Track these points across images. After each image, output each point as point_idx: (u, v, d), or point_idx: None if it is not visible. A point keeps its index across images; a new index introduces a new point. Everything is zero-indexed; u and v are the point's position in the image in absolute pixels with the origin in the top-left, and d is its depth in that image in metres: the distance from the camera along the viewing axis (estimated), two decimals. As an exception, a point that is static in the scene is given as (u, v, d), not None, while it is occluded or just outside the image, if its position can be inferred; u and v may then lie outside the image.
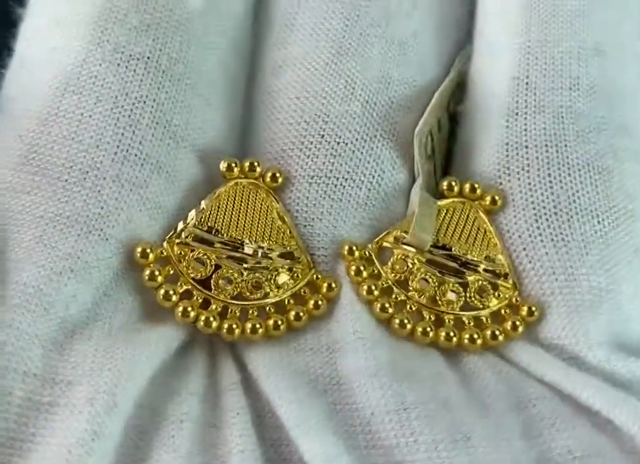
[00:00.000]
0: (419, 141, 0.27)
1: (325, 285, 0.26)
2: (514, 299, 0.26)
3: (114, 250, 0.25)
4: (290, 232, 0.26)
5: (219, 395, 0.24)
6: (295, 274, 0.26)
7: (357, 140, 0.27)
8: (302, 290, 0.26)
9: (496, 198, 0.27)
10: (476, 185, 0.27)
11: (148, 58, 0.26)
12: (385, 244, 0.26)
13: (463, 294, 0.26)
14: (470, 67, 0.29)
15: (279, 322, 0.25)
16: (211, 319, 0.25)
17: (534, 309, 0.26)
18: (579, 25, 0.28)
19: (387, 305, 0.25)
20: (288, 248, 0.26)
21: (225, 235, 0.26)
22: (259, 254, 0.26)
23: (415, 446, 0.23)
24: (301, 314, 0.25)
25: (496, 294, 0.26)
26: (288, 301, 0.26)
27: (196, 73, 0.27)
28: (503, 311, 0.26)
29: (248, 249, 0.26)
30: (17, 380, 0.22)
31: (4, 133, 0.26)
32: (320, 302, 0.26)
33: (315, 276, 0.26)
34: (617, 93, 0.28)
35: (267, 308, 0.25)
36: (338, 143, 0.27)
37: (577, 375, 0.25)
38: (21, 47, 0.27)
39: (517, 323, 0.26)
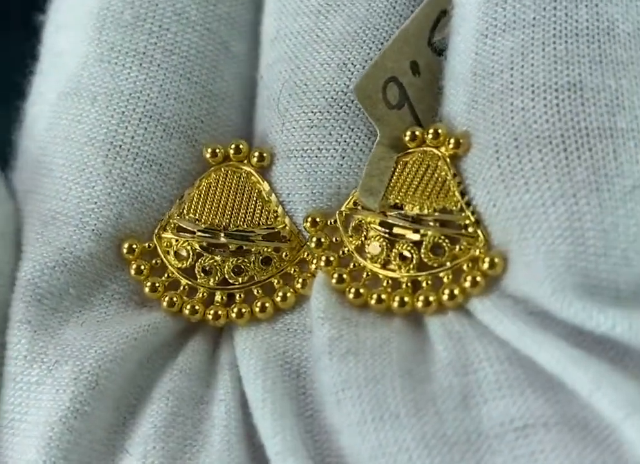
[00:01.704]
0: (368, 94, 0.25)
1: (314, 262, 0.26)
2: (477, 251, 0.24)
3: (107, 244, 0.27)
4: (276, 211, 0.26)
5: (215, 373, 0.26)
6: (283, 254, 0.26)
7: (331, 106, 0.26)
8: (292, 269, 0.26)
9: (461, 140, 0.24)
10: (440, 130, 0.25)
11: (143, 53, 0.27)
12: (346, 210, 0.26)
13: (417, 253, 0.24)
14: None
15: (266, 304, 0.26)
16: (196, 307, 0.26)
17: (496, 260, 0.23)
18: None
19: (344, 275, 0.25)
20: (274, 228, 0.26)
21: (206, 223, 0.27)
22: (241, 238, 0.26)
23: (350, 428, 0.23)
24: (288, 294, 0.26)
25: (458, 247, 0.24)
26: (278, 281, 0.26)
27: (193, 62, 0.28)
28: (465, 266, 0.24)
29: (229, 235, 0.26)
30: (9, 364, 0.25)
31: (25, 137, 0.29)
32: (308, 281, 0.26)
33: (306, 253, 0.26)
34: None
35: (255, 290, 0.26)
36: (314, 113, 0.26)
37: (537, 333, 0.22)
38: (39, 54, 0.30)
39: (478, 278, 0.23)
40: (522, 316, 0.23)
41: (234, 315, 0.26)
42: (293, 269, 0.26)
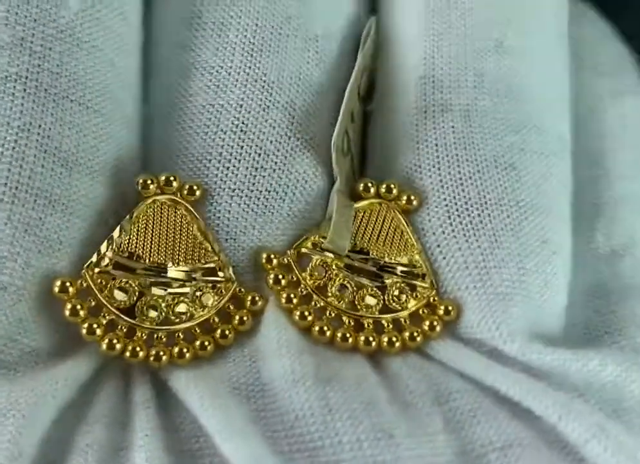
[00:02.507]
0: (337, 144, 0.27)
1: (249, 299, 0.26)
2: (431, 299, 0.27)
3: (14, 298, 0.24)
4: (212, 248, 0.26)
5: (130, 415, 0.25)
6: (220, 291, 0.26)
7: (278, 150, 0.27)
8: (226, 306, 0.26)
9: (412, 197, 0.27)
10: (392, 186, 0.27)
11: (26, 77, 0.25)
12: (304, 250, 0.27)
13: (382, 297, 0.26)
14: (379, 65, 0.29)
15: (206, 343, 0.26)
16: (137, 349, 0.25)
17: (450, 308, 0.26)
18: (482, 23, 0.29)
19: (306, 313, 0.26)
20: (210, 265, 0.26)
21: (146, 260, 0.26)
22: (183, 276, 0.26)
23: (340, 446, 0.23)
24: (227, 331, 0.26)
25: (414, 294, 0.27)
26: (214, 319, 0.26)
27: (83, 85, 0.26)
28: (421, 311, 0.27)
29: (171, 273, 0.26)
30: None
31: None
32: (245, 318, 0.26)
33: (238, 289, 0.26)
34: (522, 90, 0.28)
35: (193, 329, 0.26)
36: (259, 154, 0.27)
37: (496, 368, 0.25)
38: None
39: (435, 323, 0.26)
40: (478, 354, 0.26)
41: (175, 355, 0.25)
42: (228, 306, 0.26)
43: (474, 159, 0.27)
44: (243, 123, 0.27)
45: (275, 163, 0.27)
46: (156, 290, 0.26)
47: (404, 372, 0.26)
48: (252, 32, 0.28)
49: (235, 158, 0.27)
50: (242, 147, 0.27)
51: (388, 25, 0.30)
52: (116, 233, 0.26)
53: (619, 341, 0.27)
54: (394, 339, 0.26)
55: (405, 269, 0.27)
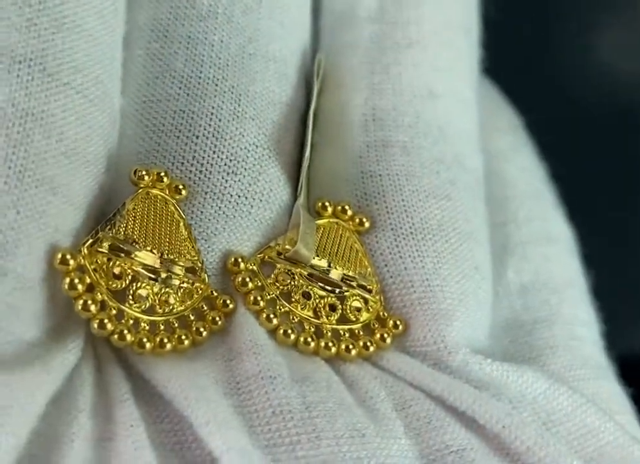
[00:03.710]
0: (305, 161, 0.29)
1: (221, 301, 0.27)
2: (381, 314, 0.28)
3: (13, 284, 0.24)
4: (194, 247, 0.27)
5: (111, 408, 0.25)
6: (197, 289, 0.27)
7: (248, 157, 0.28)
8: (200, 305, 0.27)
9: (364, 219, 0.29)
10: (347, 207, 0.29)
11: (31, 60, 0.24)
12: (267, 258, 0.28)
13: (340, 307, 0.28)
14: (322, 101, 0.32)
15: (183, 337, 0.26)
16: (125, 332, 0.25)
17: (398, 322, 0.28)
18: (416, 72, 0.32)
19: (272, 316, 0.27)
20: (191, 263, 0.27)
21: (142, 247, 0.26)
22: (173, 268, 0.26)
23: (317, 441, 0.24)
24: (202, 329, 0.26)
25: (367, 307, 0.28)
26: (189, 316, 0.26)
27: (81, 73, 0.26)
28: (372, 324, 0.28)
29: (163, 263, 0.26)
30: None
31: None
32: (218, 318, 0.27)
33: (211, 292, 0.27)
34: (451, 131, 0.32)
35: (172, 322, 0.26)
36: (231, 160, 0.28)
37: (441, 378, 0.27)
38: None
39: (385, 335, 0.28)
40: (425, 366, 0.28)
41: (157, 345, 0.26)
42: (202, 306, 0.27)
43: (415, 189, 0.30)
44: (215, 130, 0.28)
45: (245, 169, 0.28)
46: (147, 278, 0.26)
47: (362, 378, 0.27)
48: (219, 47, 0.29)
49: (209, 162, 0.28)
50: (214, 152, 0.28)
51: (331, 64, 0.32)
52: (113, 217, 0.26)
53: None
54: (351, 346, 0.28)
55: (360, 283, 0.28)
